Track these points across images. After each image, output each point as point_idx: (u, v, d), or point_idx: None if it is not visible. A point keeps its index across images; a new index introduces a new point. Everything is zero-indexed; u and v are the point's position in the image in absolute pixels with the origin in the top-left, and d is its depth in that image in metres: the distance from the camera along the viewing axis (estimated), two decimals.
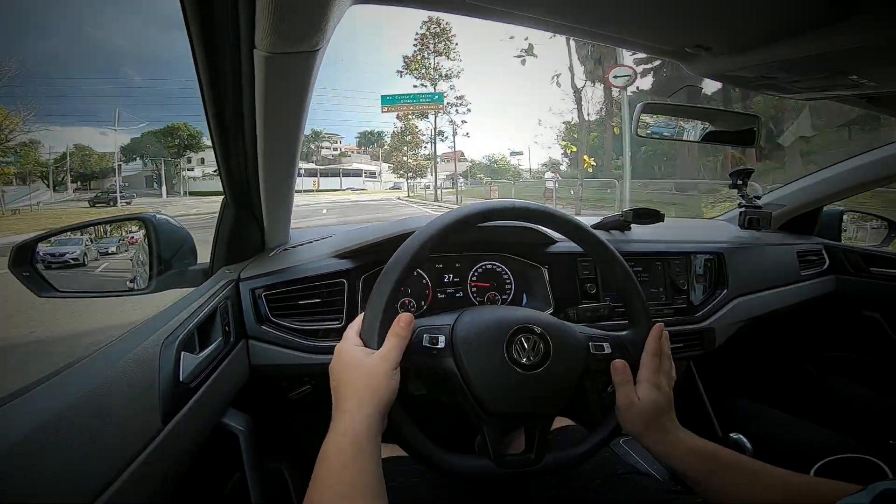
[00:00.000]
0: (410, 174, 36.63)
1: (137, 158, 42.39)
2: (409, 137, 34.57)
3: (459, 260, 1.11)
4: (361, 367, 0.61)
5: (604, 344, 0.73)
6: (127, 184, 38.57)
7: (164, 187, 36.90)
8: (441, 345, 0.66)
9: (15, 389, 0.50)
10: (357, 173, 54.52)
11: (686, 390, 1.40)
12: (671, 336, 1.17)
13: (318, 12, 0.57)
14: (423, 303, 1.08)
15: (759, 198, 1.56)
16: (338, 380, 0.62)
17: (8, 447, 0.41)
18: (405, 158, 35.58)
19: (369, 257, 1.01)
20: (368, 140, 61.72)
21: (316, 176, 50.83)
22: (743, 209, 1.53)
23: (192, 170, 43.65)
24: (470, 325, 0.69)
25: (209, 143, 0.83)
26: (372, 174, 56.17)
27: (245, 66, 0.66)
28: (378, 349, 0.62)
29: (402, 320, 0.63)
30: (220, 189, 0.94)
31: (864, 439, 1.26)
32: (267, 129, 0.79)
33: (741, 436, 1.10)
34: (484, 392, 0.64)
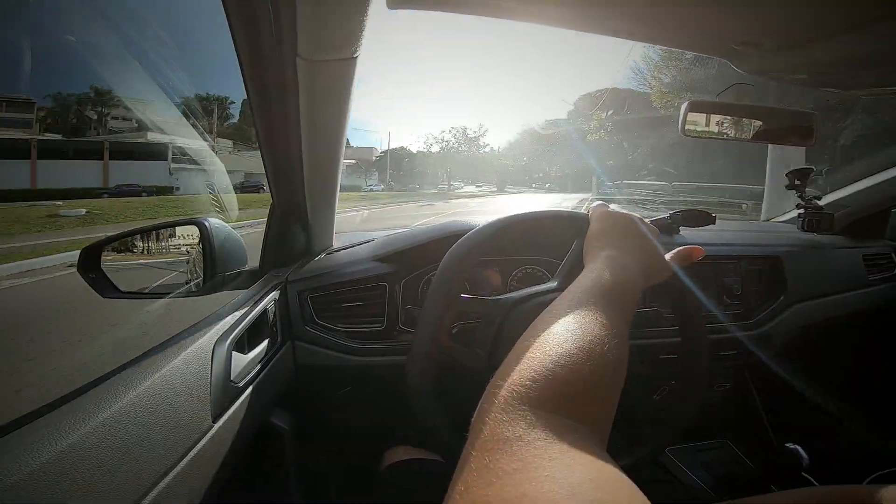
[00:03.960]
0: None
1: None
2: None
3: (499, 263, 1.10)
4: (660, 254, 0.63)
5: None
6: None
7: None
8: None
9: (77, 387, 0.53)
10: (158, 154, 27.07)
11: (740, 399, 1.34)
12: (725, 343, 1.13)
13: (356, 20, 0.58)
14: None
15: (819, 198, 1.48)
16: (650, 248, 0.62)
17: (66, 443, 0.43)
18: None
19: (409, 261, 1.02)
20: (205, 109, 37.95)
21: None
22: (802, 211, 1.45)
23: None
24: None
25: None
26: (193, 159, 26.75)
27: (289, 74, 0.68)
28: None
29: (696, 253, 0.67)
30: None
31: None
32: (311, 135, 0.81)
33: (798, 446, 1.04)
34: None
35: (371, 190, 43.19)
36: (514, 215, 0.76)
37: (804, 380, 1.50)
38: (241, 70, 0.69)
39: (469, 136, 53.06)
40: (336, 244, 1.19)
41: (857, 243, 1.45)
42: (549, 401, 0.34)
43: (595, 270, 0.53)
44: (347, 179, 45.92)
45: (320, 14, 0.56)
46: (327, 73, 0.69)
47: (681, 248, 0.67)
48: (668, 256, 0.65)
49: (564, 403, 0.35)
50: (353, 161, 49.65)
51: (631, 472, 0.75)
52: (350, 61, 0.67)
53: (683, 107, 1.10)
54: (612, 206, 0.69)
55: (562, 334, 0.40)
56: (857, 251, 1.41)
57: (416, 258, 1.01)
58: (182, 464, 0.56)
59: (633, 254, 0.59)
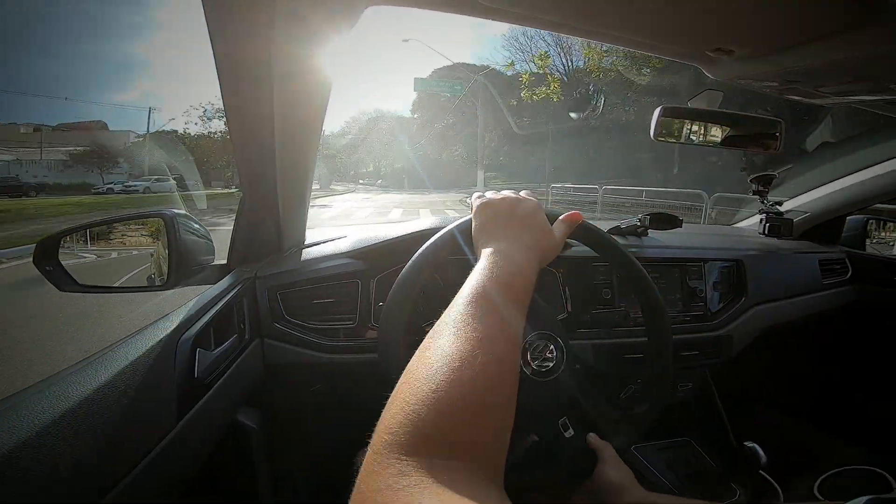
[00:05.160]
0: None
1: None
2: None
3: (472, 263, 1.10)
4: (548, 228, 0.63)
5: (570, 428, 0.76)
6: None
7: None
8: None
9: (32, 384, 0.51)
10: None
11: (701, 399, 1.38)
12: (687, 343, 1.16)
13: (335, 14, 0.57)
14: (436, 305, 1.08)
15: (780, 204, 1.53)
16: (537, 225, 0.62)
17: (22, 441, 0.42)
18: None
19: (383, 258, 1.02)
20: None
21: None
22: (764, 216, 1.50)
23: None
24: None
25: None
26: None
27: (264, 66, 0.67)
28: None
29: (575, 216, 0.68)
30: None
31: (878, 450, 1.23)
32: (286, 129, 0.80)
33: (756, 445, 1.08)
34: None
35: (112, 191, 25.16)
36: (462, 220, 0.75)
37: (763, 380, 1.56)
38: (215, 60, 0.67)
39: None
40: (308, 240, 1.17)
41: (814, 248, 1.51)
42: (419, 445, 0.34)
43: (479, 271, 0.53)
44: (73, 176, 28.99)
45: (297, 5, 0.55)
46: (304, 68, 0.68)
47: (563, 215, 0.68)
48: (555, 226, 0.66)
49: (436, 445, 0.34)
50: (84, 148, 29.42)
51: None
52: (329, 56, 0.66)
53: (656, 112, 1.12)
54: (489, 194, 0.68)
55: (432, 366, 0.39)
56: (813, 256, 1.46)
57: (390, 255, 1.00)
58: (146, 461, 0.55)
59: (521, 237, 0.59)
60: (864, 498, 0.39)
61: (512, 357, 0.43)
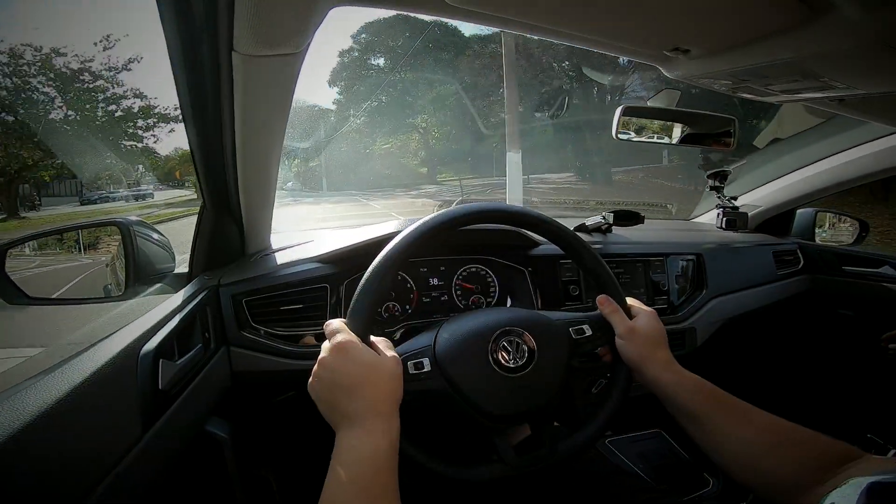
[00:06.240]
0: None
1: None
2: None
3: (444, 263, 1.11)
4: (385, 369, 0.59)
5: (583, 326, 0.74)
6: None
7: None
8: (427, 367, 0.66)
9: None
10: None
11: None
12: None
13: (298, 15, 0.56)
14: (407, 307, 1.08)
15: (735, 199, 1.59)
16: (360, 380, 0.57)
17: None
18: None
19: (352, 262, 1.00)
20: None
21: None
22: (721, 210, 1.56)
23: None
24: (450, 341, 0.69)
25: None
26: None
27: (224, 68, 0.65)
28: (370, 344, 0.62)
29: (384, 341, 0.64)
30: None
31: (842, 433, 1.29)
32: (247, 132, 0.78)
33: None
34: (482, 401, 0.65)
35: None
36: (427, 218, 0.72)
37: (727, 369, 1.61)
38: (171, 60, 0.64)
39: (67, 70, 13.10)
40: (274, 245, 1.14)
41: (768, 241, 1.57)
42: None
43: (333, 465, 0.53)
44: None
45: (258, 6, 0.53)
46: (266, 70, 0.66)
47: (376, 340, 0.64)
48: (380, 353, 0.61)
49: None
50: None
51: (571, 461, 0.76)
52: (290, 57, 0.65)
53: (617, 111, 1.15)
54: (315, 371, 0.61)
55: None
56: (768, 248, 1.53)
57: (359, 258, 0.99)
58: (112, 475, 0.54)
59: (360, 406, 0.56)
60: (867, 480, 0.39)
61: None
